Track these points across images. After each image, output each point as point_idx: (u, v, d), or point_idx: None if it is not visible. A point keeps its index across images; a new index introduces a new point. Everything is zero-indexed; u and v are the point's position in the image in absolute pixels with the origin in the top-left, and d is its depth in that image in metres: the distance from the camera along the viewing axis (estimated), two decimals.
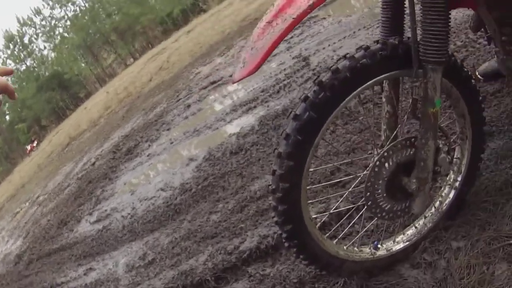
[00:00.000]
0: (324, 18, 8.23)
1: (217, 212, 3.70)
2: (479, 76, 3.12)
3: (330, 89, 1.64)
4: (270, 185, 1.79)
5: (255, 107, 5.61)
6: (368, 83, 1.68)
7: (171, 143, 6.80)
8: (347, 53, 1.71)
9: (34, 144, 48.17)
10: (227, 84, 7.94)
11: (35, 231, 9.15)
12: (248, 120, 5.32)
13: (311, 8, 1.55)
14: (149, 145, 7.67)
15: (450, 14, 1.67)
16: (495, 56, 2.77)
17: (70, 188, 9.87)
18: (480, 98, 1.96)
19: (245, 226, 3.19)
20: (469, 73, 1.88)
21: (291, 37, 8.11)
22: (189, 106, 8.20)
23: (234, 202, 3.63)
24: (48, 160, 23.59)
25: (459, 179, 2.05)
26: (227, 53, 11.11)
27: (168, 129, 7.78)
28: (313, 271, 2.27)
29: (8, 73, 1.49)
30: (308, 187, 1.82)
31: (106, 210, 6.08)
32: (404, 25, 1.88)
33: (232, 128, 5.47)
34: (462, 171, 2.04)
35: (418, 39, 1.69)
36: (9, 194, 27.90)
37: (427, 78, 1.68)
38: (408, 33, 1.78)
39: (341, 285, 2.15)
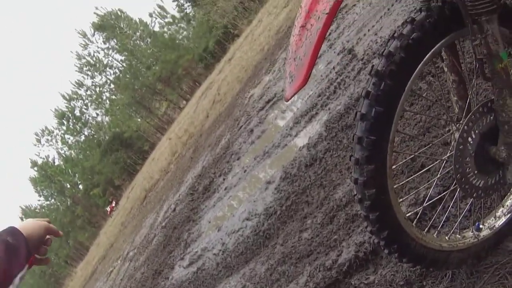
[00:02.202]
0: (354, 5, 8.07)
1: (307, 229, 3.64)
2: None
3: (390, 76, 1.52)
4: (355, 194, 1.69)
5: (316, 113, 5.51)
6: (426, 57, 1.56)
7: (245, 171, 6.78)
8: (394, 32, 1.59)
9: (113, 204, 49.67)
10: (282, 99, 7.87)
11: (131, 286, 9.39)
12: (314, 128, 5.23)
13: None
14: (224, 179, 7.68)
15: None
16: None
17: (157, 238, 10.10)
18: None
19: (338, 237, 3.13)
20: None
21: (329, 34, 7.99)
22: (252, 130, 8.19)
23: (321, 215, 3.56)
24: (130, 216, 24.34)
25: None
26: (272, 68, 11.10)
27: (238, 159, 7.77)
28: (420, 269, 2.18)
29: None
30: (395, 186, 1.71)
31: (197, 252, 6.13)
32: None
33: (301, 140, 5.40)
34: None
35: None
36: (100, 256, 29.06)
37: (485, 32, 1.54)
38: None
39: (450, 277, 2.06)
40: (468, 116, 1.67)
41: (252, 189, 5.86)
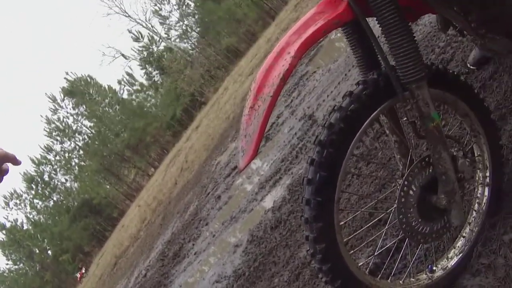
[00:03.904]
0: (315, 72, 8.38)
1: (275, 287, 3.71)
2: (470, 67, 3.16)
3: (331, 145, 1.70)
4: (308, 249, 1.84)
5: (280, 178, 5.65)
6: (364, 125, 1.74)
7: (213, 236, 6.82)
8: (335, 105, 1.79)
9: (83, 271, 48.55)
10: (248, 166, 7.97)
11: None
12: (278, 192, 5.36)
13: (283, 80, 1.65)
14: (193, 244, 7.69)
15: (411, 29, 1.72)
16: (474, 44, 2.84)
17: None
18: (476, 90, 2.03)
19: None
20: (455, 72, 1.93)
21: (291, 101, 8.26)
22: (219, 197, 8.26)
23: (288, 273, 3.64)
24: (100, 283, 23.80)
25: (487, 174, 2.06)
26: (238, 136, 11.28)
27: (206, 224, 7.80)
28: None
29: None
30: (345, 239, 1.86)
31: None
32: (378, 56, 1.91)
33: (266, 204, 5.51)
34: (488, 165, 2.05)
35: (393, 65, 1.75)
36: None
37: (416, 97, 1.73)
38: None
39: None
40: (408, 171, 1.84)
41: (221, 253, 5.90)
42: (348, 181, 3.77)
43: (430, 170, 1.87)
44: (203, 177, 12.04)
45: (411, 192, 1.84)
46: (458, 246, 2.07)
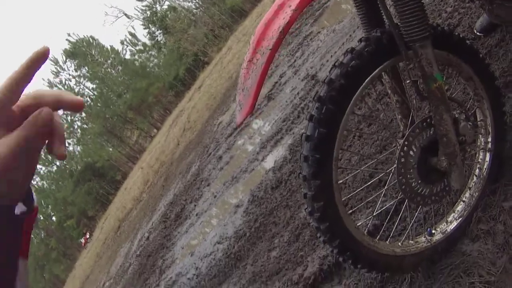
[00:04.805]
0: (319, 32, 8.29)
1: (275, 248, 3.72)
2: (477, 33, 3.12)
3: (331, 101, 1.66)
4: (306, 208, 1.80)
5: (281, 138, 5.64)
6: (365, 82, 1.70)
7: (215, 196, 6.84)
8: (336, 61, 1.74)
9: (87, 236, 48.99)
10: (249, 126, 8.01)
11: None
12: (279, 152, 5.35)
13: (283, 34, 1.59)
14: (195, 205, 7.72)
15: None
16: (482, 9, 2.79)
17: (133, 266, 10.01)
18: (481, 54, 1.96)
19: (304, 253, 3.20)
20: (461, 35, 1.88)
21: (295, 60, 8.19)
22: (220, 157, 8.27)
23: (288, 233, 3.65)
24: (105, 247, 24.03)
25: (489, 140, 2.03)
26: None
27: (208, 185, 7.82)
28: (379, 276, 2.25)
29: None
30: (344, 199, 1.83)
31: (171, 278, 6.12)
32: (382, 15, 1.87)
33: (267, 164, 5.50)
34: (490, 131, 2.02)
35: (397, 23, 1.71)
36: None
37: (419, 56, 1.69)
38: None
39: (409, 281, 2.13)
40: (408, 131, 1.80)
41: (223, 214, 5.92)
42: (350, 141, 3.76)
43: (431, 132, 1.84)
44: (205, 137, 12.05)
45: (411, 152, 1.81)
46: (458, 211, 2.05)
